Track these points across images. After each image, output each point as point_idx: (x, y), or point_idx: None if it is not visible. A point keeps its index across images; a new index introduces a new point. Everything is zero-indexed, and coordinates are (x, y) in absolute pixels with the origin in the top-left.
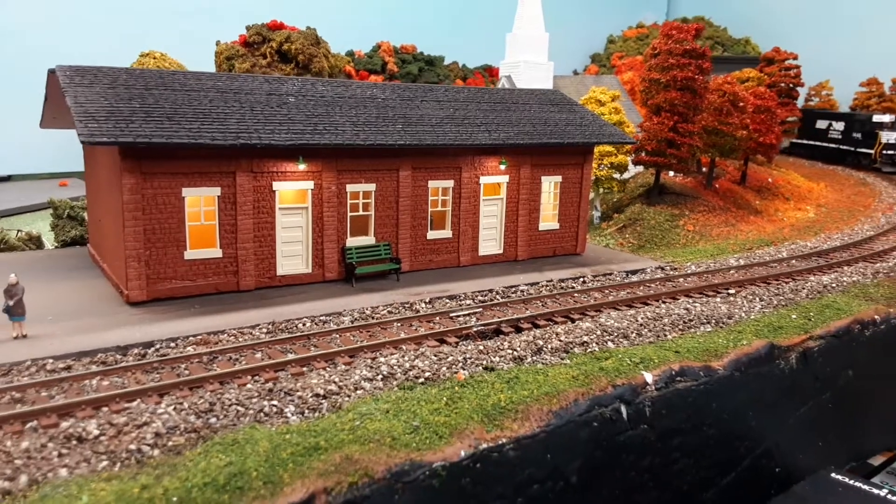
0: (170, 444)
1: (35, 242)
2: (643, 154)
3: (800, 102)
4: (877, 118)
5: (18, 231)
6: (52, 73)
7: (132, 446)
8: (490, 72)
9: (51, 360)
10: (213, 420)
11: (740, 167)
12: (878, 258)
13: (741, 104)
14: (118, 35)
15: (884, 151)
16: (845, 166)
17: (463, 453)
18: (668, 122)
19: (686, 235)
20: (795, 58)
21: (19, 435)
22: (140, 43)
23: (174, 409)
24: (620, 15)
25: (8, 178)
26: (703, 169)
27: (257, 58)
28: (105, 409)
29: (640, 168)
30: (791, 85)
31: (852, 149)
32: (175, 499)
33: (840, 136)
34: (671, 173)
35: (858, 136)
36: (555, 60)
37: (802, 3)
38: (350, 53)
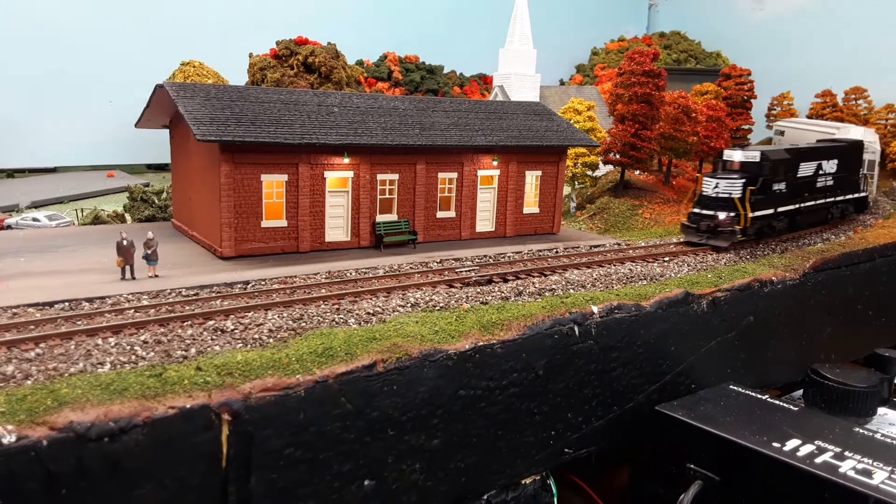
0: (279, 336)
1: (120, 219)
2: (611, 155)
3: (763, 111)
4: (727, 155)
5: (103, 210)
6: (160, 87)
7: (256, 336)
8: (484, 80)
9: (184, 290)
10: (303, 324)
11: (696, 167)
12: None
13: (693, 114)
14: (160, 44)
15: (693, 209)
16: None
17: (467, 347)
18: (630, 129)
19: (643, 221)
20: (749, 74)
21: (182, 328)
22: (182, 52)
23: (277, 316)
24: (604, 28)
25: (53, 170)
26: (665, 168)
27: (286, 69)
28: (232, 316)
29: (611, 167)
30: (745, 97)
31: None
32: (294, 358)
33: None
34: (637, 172)
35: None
36: (544, 69)
37: (766, 21)
38: (360, 63)
